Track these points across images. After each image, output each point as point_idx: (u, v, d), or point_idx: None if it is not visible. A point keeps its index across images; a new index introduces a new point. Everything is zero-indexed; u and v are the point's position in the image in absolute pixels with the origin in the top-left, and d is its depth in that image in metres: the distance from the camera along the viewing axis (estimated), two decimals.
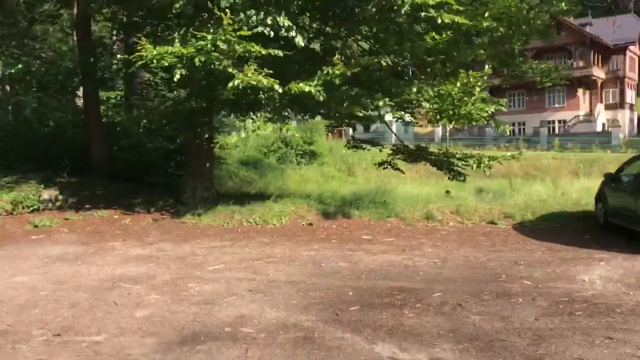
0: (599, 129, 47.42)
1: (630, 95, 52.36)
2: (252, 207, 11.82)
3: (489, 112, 11.57)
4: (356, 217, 11.52)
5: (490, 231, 10.48)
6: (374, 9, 8.33)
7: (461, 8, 8.53)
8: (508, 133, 12.93)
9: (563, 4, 11.45)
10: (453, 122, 11.95)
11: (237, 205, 11.84)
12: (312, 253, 8.60)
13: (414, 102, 11.05)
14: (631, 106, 52.42)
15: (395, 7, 8.07)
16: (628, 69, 51.28)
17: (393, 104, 10.51)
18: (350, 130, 19.61)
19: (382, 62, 9.93)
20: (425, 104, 11.07)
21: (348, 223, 11.26)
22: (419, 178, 25.19)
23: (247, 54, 8.68)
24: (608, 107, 50.63)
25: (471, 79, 11.27)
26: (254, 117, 10.77)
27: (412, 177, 24.08)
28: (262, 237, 10.03)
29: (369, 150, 15.16)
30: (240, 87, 8.59)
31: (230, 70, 8.68)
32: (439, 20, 8.17)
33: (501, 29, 11.32)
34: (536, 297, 5.98)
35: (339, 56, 8.99)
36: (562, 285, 6.48)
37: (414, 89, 10.24)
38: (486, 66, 11.47)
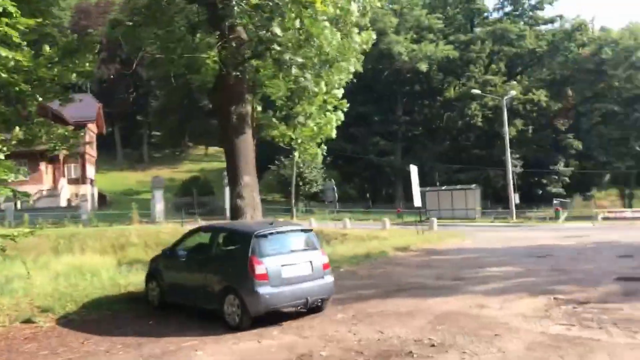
0: (63, 203, 46.77)
1: (90, 170, 54.34)
2: None
3: (9, 180, 9.80)
4: None
5: (35, 334, 8.22)
6: None
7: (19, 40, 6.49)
8: (31, 203, 10.92)
9: (87, 64, 10.82)
10: None
11: None
12: None
13: None
14: (92, 181, 54.32)
15: None
16: (88, 146, 53.09)
17: None
18: None
19: None
20: None
21: None
22: None
23: None
24: (71, 181, 50.94)
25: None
26: None
27: None
28: None
29: None
30: None
31: None
32: None
33: (20, 84, 9.87)
34: None
35: None
36: None
37: None
38: (17, 128, 9.58)
